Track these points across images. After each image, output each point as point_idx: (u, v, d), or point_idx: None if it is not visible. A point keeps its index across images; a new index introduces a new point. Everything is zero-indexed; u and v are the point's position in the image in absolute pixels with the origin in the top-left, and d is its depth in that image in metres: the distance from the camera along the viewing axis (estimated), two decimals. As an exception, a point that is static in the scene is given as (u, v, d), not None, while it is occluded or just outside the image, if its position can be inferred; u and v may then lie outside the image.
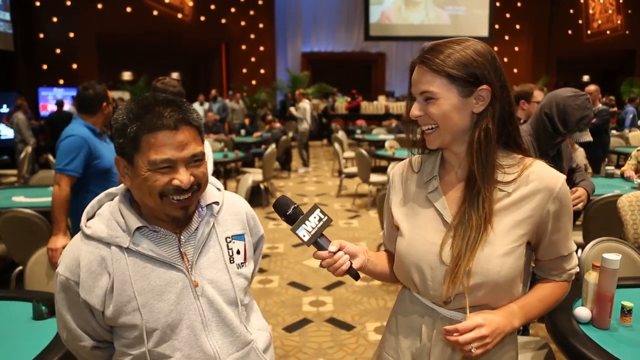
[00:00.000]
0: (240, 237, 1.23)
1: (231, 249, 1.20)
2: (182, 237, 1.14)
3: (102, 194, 1.18)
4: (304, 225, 1.08)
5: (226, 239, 1.20)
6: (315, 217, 1.09)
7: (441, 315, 1.11)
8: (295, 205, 1.12)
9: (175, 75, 17.37)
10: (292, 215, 1.11)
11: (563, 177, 1.07)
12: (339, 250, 1.09)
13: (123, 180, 1.11)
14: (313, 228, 1.08)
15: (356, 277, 1.11)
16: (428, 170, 1.16)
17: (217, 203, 1.20)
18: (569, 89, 2.27)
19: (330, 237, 1.11)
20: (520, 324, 1.09)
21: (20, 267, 2.80)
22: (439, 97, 1.03)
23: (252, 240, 1.28)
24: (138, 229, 1.10)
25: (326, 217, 1.10)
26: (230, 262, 1.19)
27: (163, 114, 1.03)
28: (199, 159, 1.07)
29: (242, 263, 1.21)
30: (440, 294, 1.08)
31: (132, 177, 1.07)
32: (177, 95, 2.68)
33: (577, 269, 1.16)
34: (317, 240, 1.09)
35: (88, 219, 1.14)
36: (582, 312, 1.59)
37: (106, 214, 1.12)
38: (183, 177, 1.04)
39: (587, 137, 2.16)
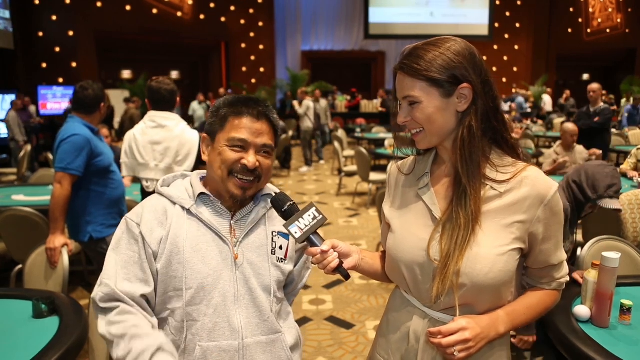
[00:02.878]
0: (286, 236, 1.31)
1: (275, 242, 1.30)
2: (235, 216, 1.27)
3: (178, 173, 1.34)
4: (297, 223, 1.10)
5: (272, 232, 1.30)
6: (309, 215, 1.11)
7: (429, 317, 1.11)
8: (292, 203, 1.16)
9: (174, 73, 17.35)
10: (288, 212, 1.14)
11: (556, 185, 1.06)
12: (330, 249, 1.10)
13: (203, 155, 1.28)
14: (306, 226, 1.10)
15: (346, 276, 1.12)
16: (421, 168, 1.17)
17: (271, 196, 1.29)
18: (596, 161, 2.29)
19: (329, 236, 1.13)
20: (506, 331, 1.08)
21: (20, 266, 2.80)
22: (421, 101, 1.04)
23: (296, 246, 1.34)
24: (201, 195, 1.25)
25: (321, 216, 1.12)
26: (272, 254, 1.28)
27: (250, 106, 1.23)
28: (268, 150, 1.24)
29: (282, 259, 1.30)
30: (430, 292, 1.07)
31: (211, 152, 1.25)
32: (171, 93, 2.90)
33: (567, 278, 1.15)
34: (310, 237, 1.11)
35: (162, 185, 1.30)
36: (582, 310, 1.59)
37: (179, 182, 1.31)
38: (251, 158, 1.20)
39: (617, 204, 2.10)
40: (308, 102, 9.67)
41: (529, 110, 13.70)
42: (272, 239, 1.29)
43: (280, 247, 1.29)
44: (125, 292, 1.16)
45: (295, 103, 10.31)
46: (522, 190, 1.04)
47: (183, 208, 1.23)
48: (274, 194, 1.26)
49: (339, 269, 1.10)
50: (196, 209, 1.23)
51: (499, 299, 1.08)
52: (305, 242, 1.12)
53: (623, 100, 12.13)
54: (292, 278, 1.38)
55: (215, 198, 1.26)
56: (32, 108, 10.63)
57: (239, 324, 1.20)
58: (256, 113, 1.22)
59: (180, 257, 1.19)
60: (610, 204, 2.09)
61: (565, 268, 1.14)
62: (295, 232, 1.10)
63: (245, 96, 1.26)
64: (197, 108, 11.92)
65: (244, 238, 1.25)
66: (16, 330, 1.59)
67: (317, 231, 1.13)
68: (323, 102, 10.52)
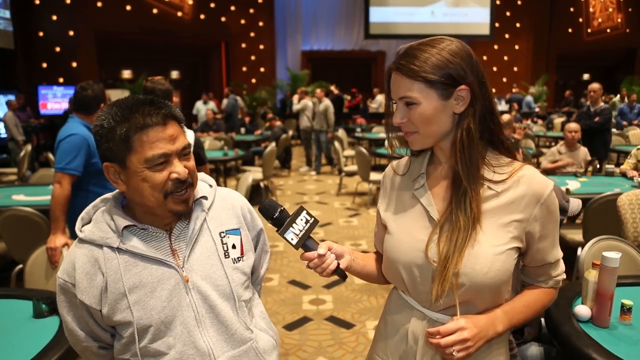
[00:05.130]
0: (235, 231, 1.22)
1: (226, 243, 1.19)
2: (173, 233, 1.15)
3: (97, 200, 1.19)
4: (291, 229, 1.08)
5: (220, 233, 1.19)
6: (302, 220, 1.09)
7: (428, 318, 1.11)
8: (282, 208, 1.11)
9: (174, 73, 17.36)
10: (279, 219, 1.10)
11: (552, 183, 1.06)
12: (327, 251, 1.09)
13: (117, 186, 1.11)
14: (300, 231, 1.08)
15: (343, 277, 1.12)
16: (416, 169, 1.16)
17: (205, 198, 1.20)
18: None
19: (329, 236, 1.12)
20: (504, 329, 1.08)
21: (20, 266, 2.80)
22: (419, 102, 1.03)
23: (250, 235, 1.27)
24: (127, 228, 1.12)
25: (313, 219, 1.10)
26: (225, 257, 1.18)
27: (150, 112, 1.05)
28: (187, 152, 1.11)
29: (238, 258, 1.20)
30: (429, 295, 1.07)
31: (128, 180, 1.08)
32: (165, 93, 2.85)
33: (564, 276, 1.15)
34: (305, 243, 1.09)
35: (84, 225, 1.16)
36: (582, 310, 1.59)
37: (99, 218, 1.14)
38: (179, 168, 1.07)
39: (576, 204, 2.09)
40: (306, 101, 9.67)
41: (537, 109, 13.65)
42: (222, 240, 1.19)
43: (234, 246, 1.20)
44: (108, 342, 1.17)
45: (295, 97, 10.23)
46: (518, 189, 1.04)
47: (112, 248, 1.10)
48: (207, 195, 1.20)
49: (336, 270, 1.10)
50: (126, 244, 1.10)
51: (498, 298, 1.08)
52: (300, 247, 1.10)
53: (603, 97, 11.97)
54: (253, 267, 1.30)
55: (144, 224, 1.13)
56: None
57: (206, 346, 1.12)
58: (161, 119, 1.05)
59: (125, 302, 1.08)
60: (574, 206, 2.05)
61: (562, 266, 1.15)
62: (292, 239, 1.08)
63: (133, 101, 1.07)
64: (201, 108, 11.91)
65: (190, 254, 1.14)
66: (16, 330, 1.59)
67: (311, 234, 1.11)
68: (322, 105, 8.79)
